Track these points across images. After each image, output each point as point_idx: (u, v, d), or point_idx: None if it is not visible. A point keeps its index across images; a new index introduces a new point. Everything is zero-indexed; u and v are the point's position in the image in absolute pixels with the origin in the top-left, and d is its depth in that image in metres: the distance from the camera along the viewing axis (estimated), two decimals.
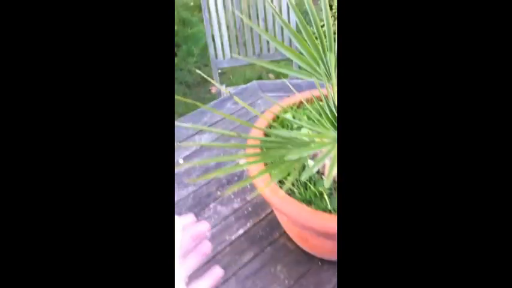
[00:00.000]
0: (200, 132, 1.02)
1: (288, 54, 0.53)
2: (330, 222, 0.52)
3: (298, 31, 0.55)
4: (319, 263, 0.70)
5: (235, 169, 0.46)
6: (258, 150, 0.56)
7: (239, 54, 1.53)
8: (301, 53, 0.54)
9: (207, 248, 0.38)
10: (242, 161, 0.61)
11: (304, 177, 0.42)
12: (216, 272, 0.38)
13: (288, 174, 0.47)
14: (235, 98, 0.54)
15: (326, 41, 0.53)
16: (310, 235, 0.62)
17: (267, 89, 1.11)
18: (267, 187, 0.54)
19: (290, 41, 1.52)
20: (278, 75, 2.10)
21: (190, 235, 0.36)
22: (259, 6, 1.48)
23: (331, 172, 0.46)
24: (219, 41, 1.52)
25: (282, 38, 1.54)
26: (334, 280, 0.68)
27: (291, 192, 0.59)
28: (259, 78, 2.02)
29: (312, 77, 0.52)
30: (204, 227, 0.38)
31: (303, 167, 0.60)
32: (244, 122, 0.51)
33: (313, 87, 0.57)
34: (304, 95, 0.73)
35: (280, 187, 0.57)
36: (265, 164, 0.58)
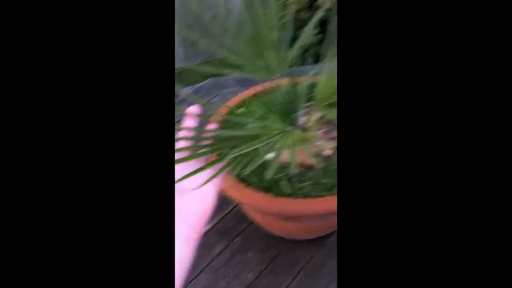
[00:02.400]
0: None
1: (224, 54, 0.56)
2: (286, 205, 0.55)
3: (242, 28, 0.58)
4: (290, 244, 0.74)
5: (194, 174, 0.48)
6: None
7: (193, 52, 1.54)
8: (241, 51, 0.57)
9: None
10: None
11: (250, 168, 0.44)
12: None
13: (243, 167, 0.50)
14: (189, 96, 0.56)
15: (268, 37, 0.56)
16: (273, 219, 0.66)
17: (223, 85, 1.13)
18: (228, 183, 0.57)
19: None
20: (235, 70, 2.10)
21: None
22: (207, 3, 1.49)
23: (276, 160, 0.49)
24: None
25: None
26: (307, 257, 0.72)
27: (250, 183, 0.62)
28: (217, 74, 2.03)
29: (253, 74, 0.54)
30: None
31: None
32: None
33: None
34: (257, 88, 0.76)
35: (240, 180, 0.60)
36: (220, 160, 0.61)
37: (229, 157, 0.48)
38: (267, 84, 0.67)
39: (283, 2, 1.51)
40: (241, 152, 0.48)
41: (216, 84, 1.14)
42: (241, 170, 0.51)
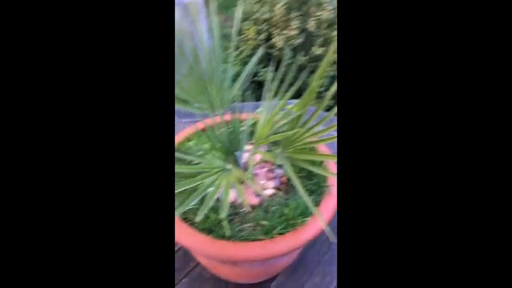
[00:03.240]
0: None
1: (176, 89, 0.54)
2: (228, 249, 0.52)
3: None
4: (234, 286, 0.70)
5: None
6: None
7: None
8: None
9: None
10: None
11: (186, 206, 0.42)
12: None
13: (184, 204, 0.47)
14: None
15: (211, 73, 0.55)
16: (216, 263, 0.62)
17: (181, 114, 1.10)
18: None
19: None
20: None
21: None
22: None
23: (225, 200, 0.47)
24: None
25: None
26: None
27: (193, 223, 0.58)
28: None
29: (197, 109, 0.53)
30: None
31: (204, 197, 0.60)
32: None
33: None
34: (209, 121, 0.74)
35: (183, 219, 0.57)
36: None
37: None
38: (210, 120, 0.65)
39: (240, 39, 1.54)
40: (181, 189, 0.46)
41: (177, 113, 1.12)
42: (183, 207, 0.49)
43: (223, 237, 0.55)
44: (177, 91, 0.55)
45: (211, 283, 0.71)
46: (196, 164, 0.60)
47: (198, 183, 0.47)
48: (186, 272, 0.73)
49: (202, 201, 0.47)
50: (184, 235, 0.55)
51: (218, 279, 0.71)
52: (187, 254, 0.75)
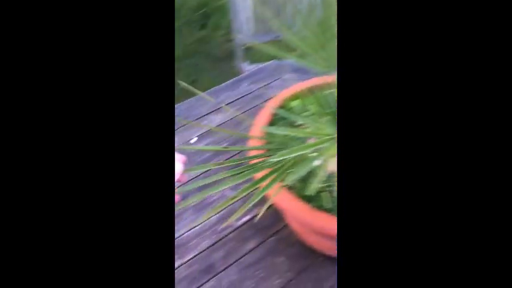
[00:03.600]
0: (216, 111, 1.00)
1: (289, 37, 0.49)
2: (323, 221, 0.49)
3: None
4: (321, 258, 0.68)
5: (246, 176, 0.45)
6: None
7: (263, 29, 1.47)
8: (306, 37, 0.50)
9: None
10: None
11: (295, 176, 0.40)
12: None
13: (288, 172, 0.45)
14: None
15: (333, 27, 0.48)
16: (309, 231, 0.60)
17: (286, 69, 1.05)
18: (276, 193, 0.52)
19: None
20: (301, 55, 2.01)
21: None
22: None
23: (324, 167, 0.43)
24: (243, 15, 1.46)
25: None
26: (333, 278, 0.65)
27: (292, 188, 0.56)
28: (282, 56, 1.93)
29: (312, 64, 0.47)
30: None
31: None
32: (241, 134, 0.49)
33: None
34: (315, 81, 0.68)
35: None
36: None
37: (275, 160, 0.44)
38: (324, 79, 0.59)
39: None
40: (290, 155, 0.43)
41: (279, 68, 1.07)
42: (286, 175, 0.47)
43: (321, 208, 0.52)
44: (293, 40, 0.50)
45: (297, 247, 0.70)
46: (301, 126, 0.56)
47: (306, 151, 0.43)
48: (274, 230, 0.73)
49: (310, 172, 0.44)
50: (283, 197, 0.53)
51: (304, 245, 0.69)
52: (278, 213, 0.74)
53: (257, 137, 0.59)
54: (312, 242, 0.66)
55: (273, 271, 0.68)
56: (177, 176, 0.40)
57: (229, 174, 0.45)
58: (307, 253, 0.68)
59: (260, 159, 0.47)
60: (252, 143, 0.60)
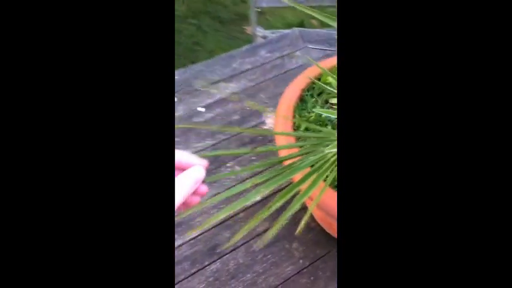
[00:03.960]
0: (227, 78, 0.92)
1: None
2: None
3: None
4: None
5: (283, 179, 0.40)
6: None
7: None
8: None
9: (203, 190, 0.36)
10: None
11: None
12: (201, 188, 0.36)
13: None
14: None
15: None
16: (329, 218, 0.55)
17: (310, 39, 0.97)
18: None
19: None
20: (323, 24, 1.91)
21: (189, 182, 0.34)
22: None
23: None
24: None
25: None
26: None
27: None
28: (301, 24, 1.83)
29: None
30: (201, 173, 0.35)
31: None
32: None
33: None
34: None
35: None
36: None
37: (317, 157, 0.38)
38: None
39: None
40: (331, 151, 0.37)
41: (303, 36, 0.98)
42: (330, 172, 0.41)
43: None
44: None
45: (315, 233, 0.65)
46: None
47: None
48: (290, 213, 0.68)
49: None
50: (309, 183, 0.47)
51: (323, 232, 0.64)
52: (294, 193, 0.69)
53: (285, 117, 0.52)
54: (333, 231, 0.62)
55: (285, 257, 0.63)
56: (196, 185, 0.34)
57: (262, 180, 0.39)
58: (326, 240, 0.64)
59: (295, 159, 0.41)
60: (279, 125, 0.53)
